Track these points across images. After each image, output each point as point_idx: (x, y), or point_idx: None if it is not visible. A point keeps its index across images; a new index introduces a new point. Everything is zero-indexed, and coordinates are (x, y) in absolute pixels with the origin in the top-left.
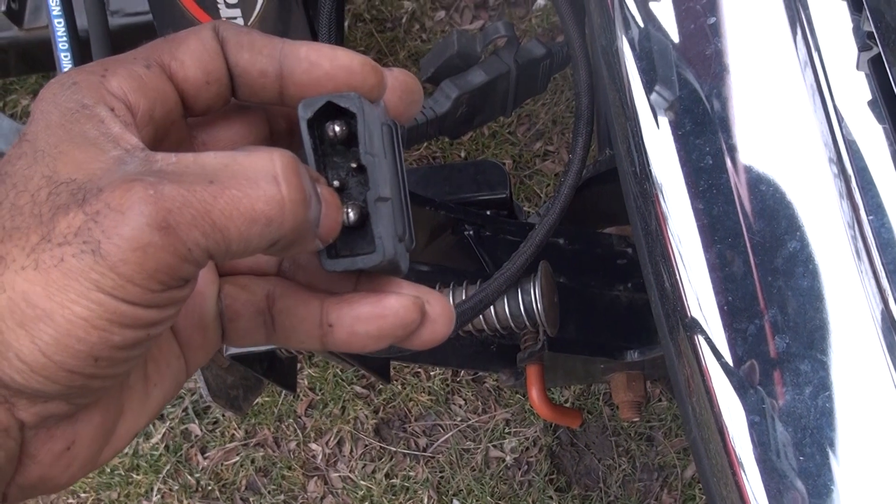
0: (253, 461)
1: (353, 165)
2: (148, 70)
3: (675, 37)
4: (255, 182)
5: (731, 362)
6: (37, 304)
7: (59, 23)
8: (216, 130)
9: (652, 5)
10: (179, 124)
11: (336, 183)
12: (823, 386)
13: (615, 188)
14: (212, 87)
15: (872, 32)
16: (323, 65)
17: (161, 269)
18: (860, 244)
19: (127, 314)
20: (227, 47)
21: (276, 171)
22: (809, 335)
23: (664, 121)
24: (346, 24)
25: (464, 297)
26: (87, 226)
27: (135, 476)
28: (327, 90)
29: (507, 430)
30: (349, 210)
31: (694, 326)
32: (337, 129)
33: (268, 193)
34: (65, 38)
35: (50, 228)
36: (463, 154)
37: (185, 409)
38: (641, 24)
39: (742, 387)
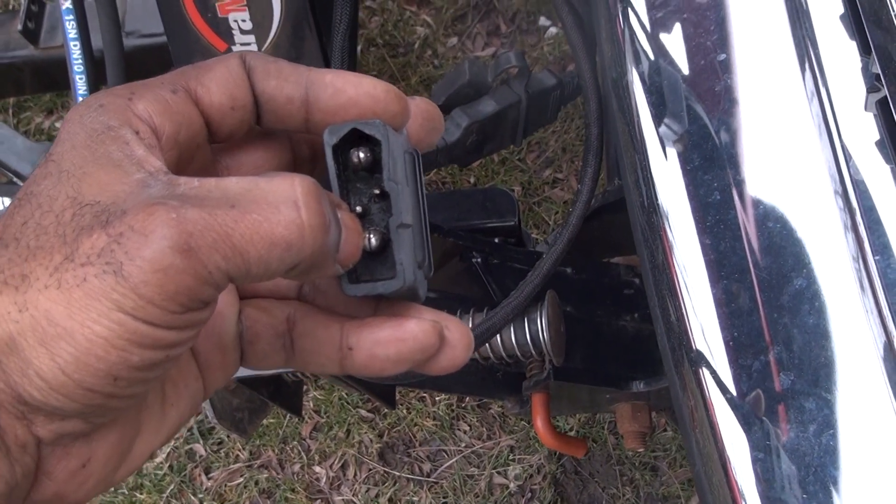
0: (257, 483)
1: (376, 192)
2: (174, 94)
3: (685, 72)
4: (275, 207)
5: (735, 397)
6: (58, 322)
7: (76, 45)
8: (240, 155)
9: (663, 39)
10: (204, 149)
11: (359, 209)
12: (828, 424)
13: (623, 218)
14: (236, 113)
15: (880, 74)
16: (348, 91)
17: (181, 291)
18: (866, 283)
19: (146, 335)
20: (255, 75)
21: (297, 196)
22: (814, 373)
23: (673, 155)
24: (358, 48)
25: (471, 325)
26: (111, 247)
27: (139, 495)
28: (352, 116)
29: (511, 457)
30: (371, 236)
31: (699, 361)
32: (361, 155)
33: (288, 218)
34: (80, 61)
35: (73, 249)
36: (472, 180)
37: (190, 429)
38: (652, 58)
39: (746, 422)
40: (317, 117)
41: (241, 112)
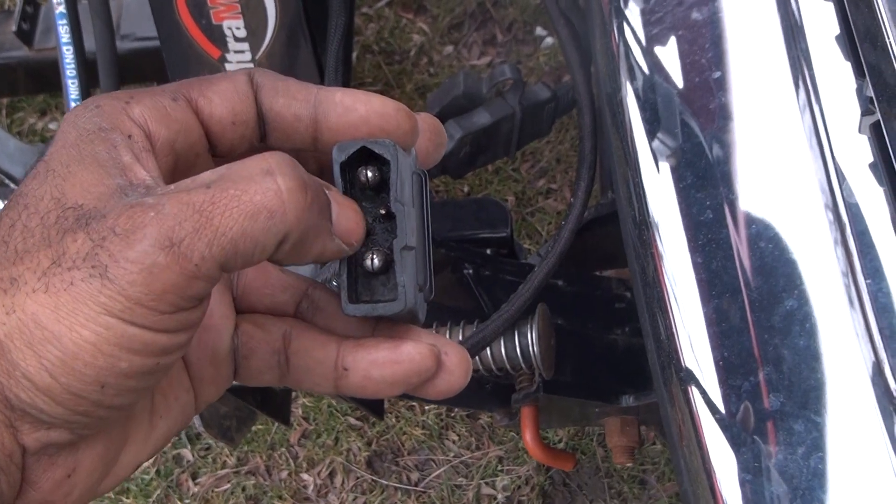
0: (244, 489)
1: (382, 212)
2: (174, 102)
3: (679, 88)
4: (250, 178)
5: (724, 417)
6: (46, 325)
7: (68, 49)
8: None
9: (658, 55)
10: (205, 158)
11: None
12: (817, 447)
13: (616, 231)
14: (237, 129)
15: (873, 98)
16: (358, 109)
17: (168, 290)
18: (857, 306)
19: (136, 338)
20: (262, 93)
21: (271, 166)
22: (804, 395)
23: (665, 171)
24: (354, 55)
25: (461, 338)
26: (95, 251)
27: (125, 500)
28: (362, 134)
29: (499, 468)
30: (374, 256)
31: (688, 379)
32: (369, 174)
33: (264, 186)
34: (72, 65)
35: (60, 253)
36: (466, 189)
37: (178, 435)
38: (646, 74)
39: (735, 442)
40: (325, 136)
41: (242, 128)
